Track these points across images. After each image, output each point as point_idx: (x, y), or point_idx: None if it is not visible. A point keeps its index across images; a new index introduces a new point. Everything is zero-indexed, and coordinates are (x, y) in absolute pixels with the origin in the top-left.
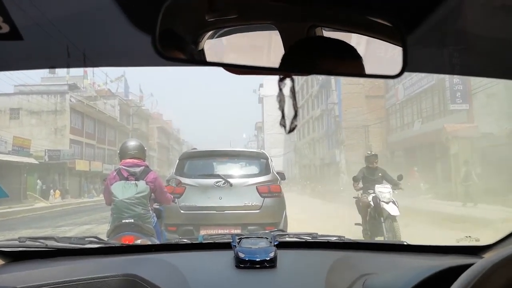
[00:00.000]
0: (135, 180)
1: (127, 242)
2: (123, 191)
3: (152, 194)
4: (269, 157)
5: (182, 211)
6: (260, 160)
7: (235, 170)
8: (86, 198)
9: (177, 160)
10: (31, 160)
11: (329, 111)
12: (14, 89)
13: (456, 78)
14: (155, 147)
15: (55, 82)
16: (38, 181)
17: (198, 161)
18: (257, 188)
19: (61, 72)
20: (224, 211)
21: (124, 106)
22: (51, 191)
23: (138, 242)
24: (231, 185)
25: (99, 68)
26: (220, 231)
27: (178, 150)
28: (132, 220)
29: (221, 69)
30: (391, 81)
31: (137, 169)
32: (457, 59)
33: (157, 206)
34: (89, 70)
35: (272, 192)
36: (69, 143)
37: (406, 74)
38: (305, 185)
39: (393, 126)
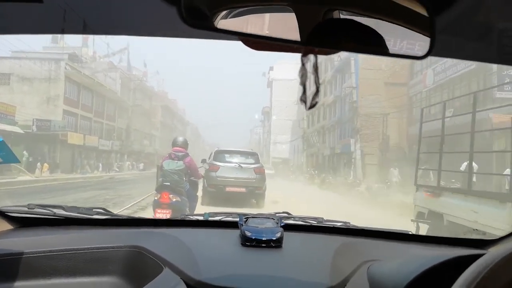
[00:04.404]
0: (177, 160)
1: (164, 196)
2: (168, 165)
3: (189, 170)
4: (258, 154)
5: (218, 178)
6: (254, 155)
7: (242, 160)
8: (79, 174)
9: (213, 153)
10: (15, 129)
11: (344, 97)
12: (11, 55)
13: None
14: (158, 126)
15: (57, 51)
16: (25, 152)
17: (225, 154)
18: (253, 169)
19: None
20: (237, 179)
21: (126, 81)
22: (38, 164)
23: (171, 196)
24: (241, 167)
25: (100, 38)
26: (236, 189)
27: (182, 130)
28: (169, 184)
29: (230, 50)
30: (417, 66)
31: (180, 154)
32: (489, 45)
33: (193, 179)
34: (89, 38)
35: (260, 172)
36: (62, 114)
37: (438, 58)
38: (313, 174)
39: (416, 116)
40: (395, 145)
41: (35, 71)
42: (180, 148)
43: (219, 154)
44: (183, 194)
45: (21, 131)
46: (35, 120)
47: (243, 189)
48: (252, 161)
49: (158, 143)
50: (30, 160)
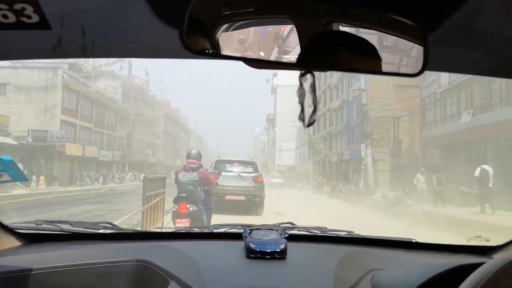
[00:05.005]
0: (192, 171)
1: (182, 207)
2: (183, 176)
3: (203, 180)
4: (257, 163)
5: (218, 187)
6: (253, 165)
7: (242, 169)
8: (77, 187)
9: (213, 163)
10: (8, 140)
11: (351, 101)
12: (8, 64)
13: None
14: (161, 135)
15: (55, 60)
16: (20, 164)
17: (225, 163)
18: (252, 178)
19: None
20: (237, 187)
21: (127, 89)
22: (34, 176)
23: (188, 206)
24: (240, 176)
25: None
26: (236, 197)
27: (185, 139)
28: (185, 194)
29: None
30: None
31: (194, 165)
32: (480, 58)
33: (208, 189)
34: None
35: (259, 181)
36: (60, 124)
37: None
38: (321, 182)
39: (430, 118)
40: (407, 149)
41: (32, 80)
42: (194, 160)
43: (219, 164)
44: (199, 203)
45: (15, 143)
46: (30, 130)
47: (242, 197)
48: (251, 170)
49: (161, 153)
50: (25, 172)
